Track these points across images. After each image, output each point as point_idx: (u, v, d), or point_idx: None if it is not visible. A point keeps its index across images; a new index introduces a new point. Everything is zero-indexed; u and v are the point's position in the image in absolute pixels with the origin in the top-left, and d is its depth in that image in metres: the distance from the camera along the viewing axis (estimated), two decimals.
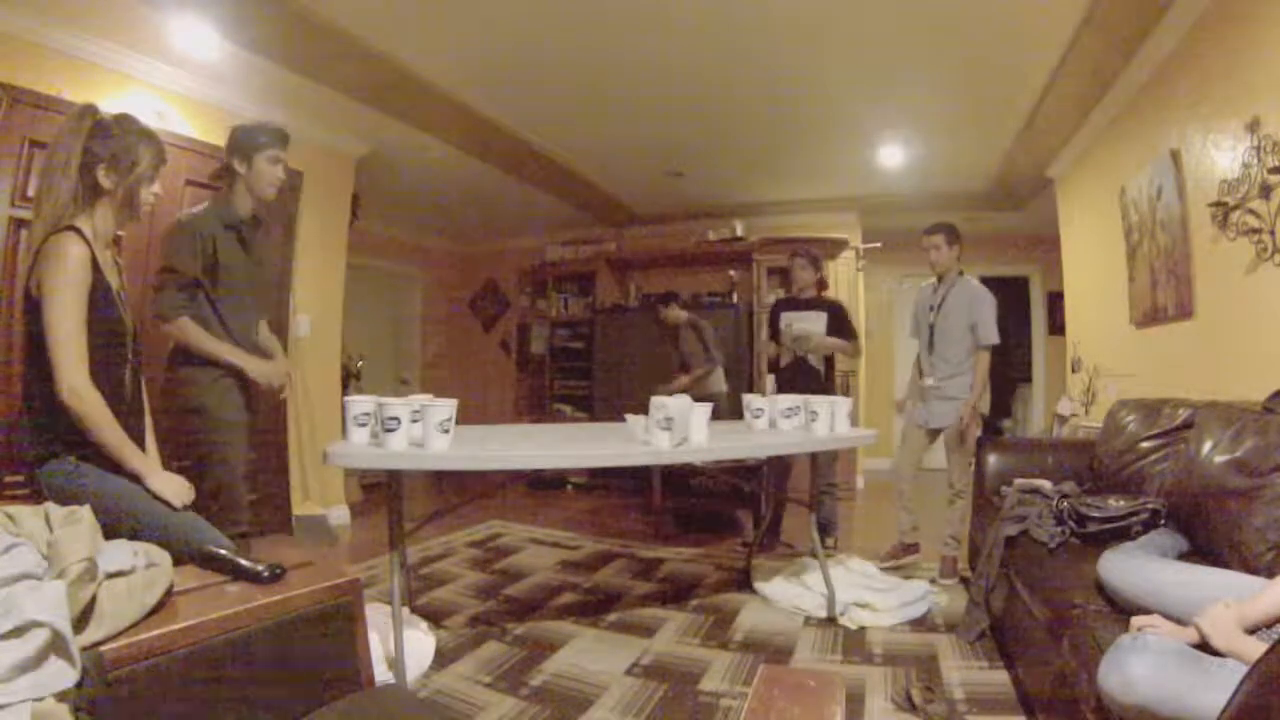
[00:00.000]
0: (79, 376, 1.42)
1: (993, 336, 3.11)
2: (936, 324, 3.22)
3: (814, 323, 3.61)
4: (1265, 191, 2.21)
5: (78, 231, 1.46)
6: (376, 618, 2.18)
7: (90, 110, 1.55)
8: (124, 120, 1.58)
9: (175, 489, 1.54)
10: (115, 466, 1.50)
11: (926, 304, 3.30)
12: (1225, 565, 1.60)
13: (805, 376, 3.55)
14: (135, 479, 1.50)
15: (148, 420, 1.74)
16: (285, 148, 2.24)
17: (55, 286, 1.41)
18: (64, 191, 1.47)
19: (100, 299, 1.50)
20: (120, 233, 1.76)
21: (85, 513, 1.02)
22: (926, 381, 3.24)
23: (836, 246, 5.64)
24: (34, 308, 1.45)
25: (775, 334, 3.75)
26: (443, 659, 2.25)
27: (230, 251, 2.17)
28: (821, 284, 3.75)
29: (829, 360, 3.66)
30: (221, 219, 2.15)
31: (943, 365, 3.19)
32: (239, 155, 2.17)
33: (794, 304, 3.74)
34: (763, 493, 3.65)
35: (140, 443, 1.68)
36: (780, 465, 3.63)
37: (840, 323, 3.59)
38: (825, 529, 3.44)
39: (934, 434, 3.25)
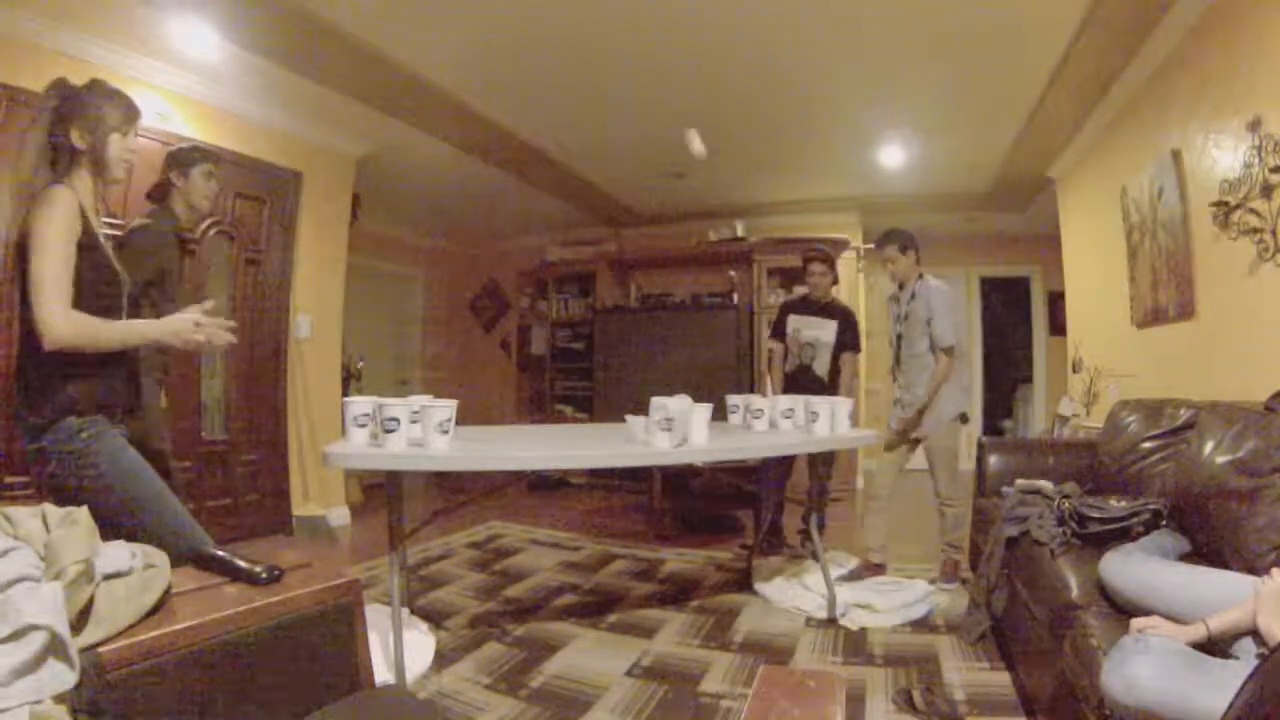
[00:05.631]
0: (56, 311, 1.41)
1: (948, 337, 2.98)
2: (904, 332, 3.16)
3: (823, 330, 3.53)
4: (1266, 191, 2.21)
5: (66, 185, 1.48)
6: (376, 618, 2.18)
7: (59, 81, 1.56)
8: (92, 84, 1.60)
9: (178, 325, 1.57)
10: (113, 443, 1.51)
11: (894, 313, 3.25)
12: (1226, 566, 1.60)
13: (810, 386, 3.45)
14: (156, 341, 1.58)
15: (149, 382, 1.77)
16: (217, 166, 2.40)
17: (42, 228, 1.41)
18: (31, 156, 1.48)
19: (91, 249, 1.51)
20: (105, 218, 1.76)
21: (82, 514, 1.01)
22: (899, 392, 3.19)
23: (837, 247, 5.63)
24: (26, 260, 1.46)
25: (780, 335, 3.67)
26: (443, 660, 2.25)
27: (174, 260, 2.31)
28: (834, 282, 3.68)
29: (835, 368, 3.58)
30: (172, 228, 2.23)
31: (911, 373, 3.13)
32: (176, 169, 2.31)
33: (803, 307, 3.64)
34: (763, 493, 3.63)
35: (134, 404, 1.69)
36: (780, 466, 3.59)
37: (848, 331, 3.53)
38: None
39: (914, 443, 3.17)
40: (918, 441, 3.15)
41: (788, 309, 3.73)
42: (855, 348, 3.59)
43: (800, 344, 3.56)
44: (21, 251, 1.46)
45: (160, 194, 2.39)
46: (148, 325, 1.61)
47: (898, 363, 3.23)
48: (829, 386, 3.51)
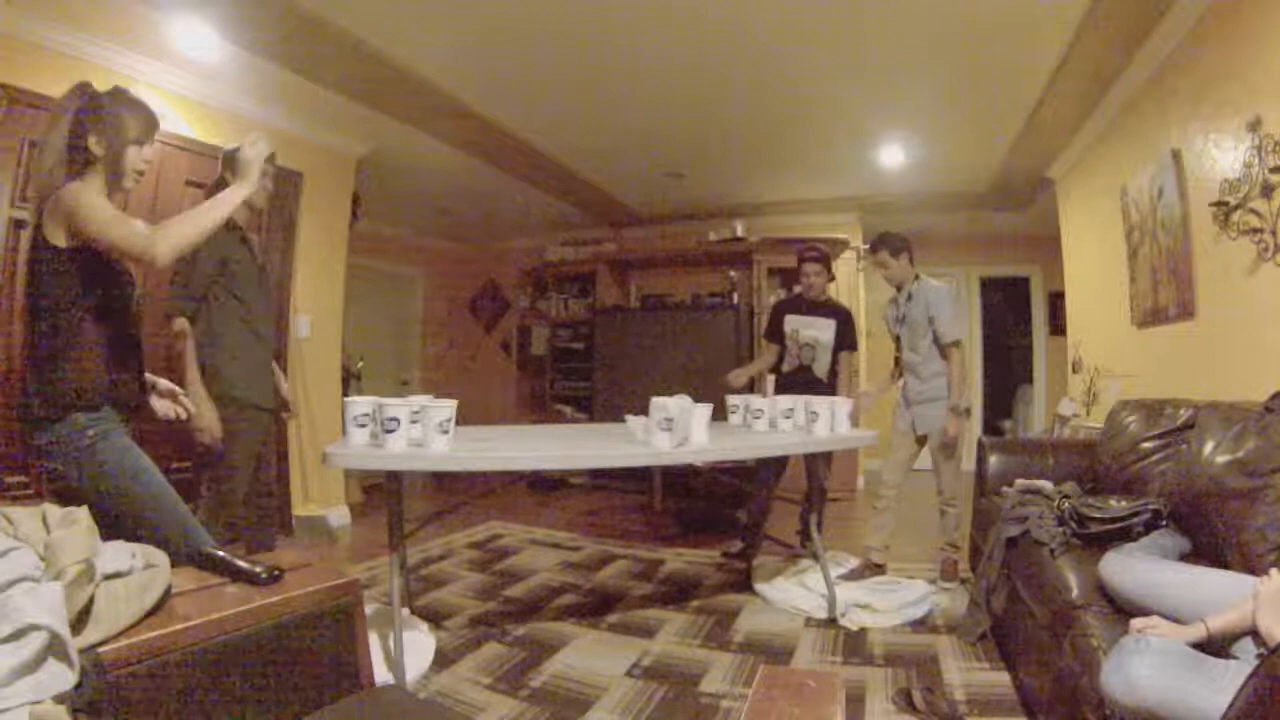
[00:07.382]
0: (136, 242, 1.46)
1: (951, 332, 3.04)
2: (903, 335, 3.20)
3: (822, 330, 3.51)
4: (1266, 191, 2.21)
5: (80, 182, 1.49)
6: (377, 618, 2.18)
7: (82, 85, 1.57)
8: (114, 92, 1.61)
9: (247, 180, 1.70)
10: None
11: (892, 315, 3.29)
12: (1226, 566, 1.60)
13: (810, 387, 3.37)
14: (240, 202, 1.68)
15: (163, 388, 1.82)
16: (271, 161, 2.42)
17: (77, 209, 1.43)
18: (50, 158, 1.49)
19: (100, 252, 1.50)
20: None
21: (82, 514, 1.01)
22: (906, 389, 3.21)
23: (837, 247, 5.64)
24: (53, 255, 1.46)
25: (776, 335, 3.63)
26: (443, 660, 2.25)
27: (237, 254, 2.35)
28: (829, 281, 3.65)
29: (834, 368, 3.54)
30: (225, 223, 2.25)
31: (915, 372, 3.16)
32: (229, 168, 2.34)
33: (800, 306, 3.61)
34: (765, 493, 3.61)
35: (141, 400, 1.71)
36: (775, 466, 3.54)
37: (847, 331, 3.53)
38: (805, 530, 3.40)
39: (922, 440, 3.18)
40: (925, 439, 3.15)
41: (783, 309, 3.68)
42: (853, 347, 3.58)
43: (800, 345, 3.54)
44: (46, 248, 1.47)
45: (215, 190, 2.47)
46: (229, 194, 1.68)
47: (898, 364, 3.28)
48: (828, 386, 3.48)
